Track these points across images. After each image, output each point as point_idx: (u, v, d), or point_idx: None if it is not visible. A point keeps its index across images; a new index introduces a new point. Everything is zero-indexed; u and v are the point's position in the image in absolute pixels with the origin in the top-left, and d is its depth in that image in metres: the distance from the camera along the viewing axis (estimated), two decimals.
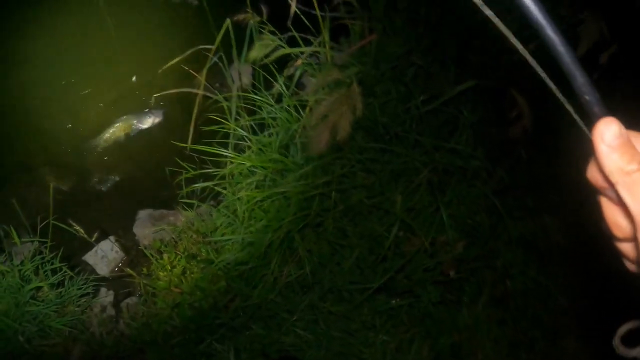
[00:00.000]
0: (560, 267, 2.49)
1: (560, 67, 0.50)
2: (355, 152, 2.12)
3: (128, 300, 2.58)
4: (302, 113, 2.21)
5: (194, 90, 2.29)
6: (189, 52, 2.38)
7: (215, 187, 2.30)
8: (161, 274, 2.43)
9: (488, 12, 0.51)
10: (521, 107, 2.07)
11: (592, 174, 0.52)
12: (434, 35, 2.51)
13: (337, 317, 2.21)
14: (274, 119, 2.23)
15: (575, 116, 0.53)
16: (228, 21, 2.35)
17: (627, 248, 0.54)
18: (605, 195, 0.53)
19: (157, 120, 2.82)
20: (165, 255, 2.41)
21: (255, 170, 2.15)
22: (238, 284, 2.23)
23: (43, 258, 2.52)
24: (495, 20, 0.52)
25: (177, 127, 2.59)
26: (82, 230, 2.47)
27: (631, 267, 0.55)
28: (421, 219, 2.20)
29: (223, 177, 2.29)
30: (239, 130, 2.25)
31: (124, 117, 2.84)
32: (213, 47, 2.36)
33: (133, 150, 2.79)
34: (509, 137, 2.40)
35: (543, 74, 0.52)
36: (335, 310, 2.21)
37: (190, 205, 2.41)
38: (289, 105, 2.21)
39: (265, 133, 2.22)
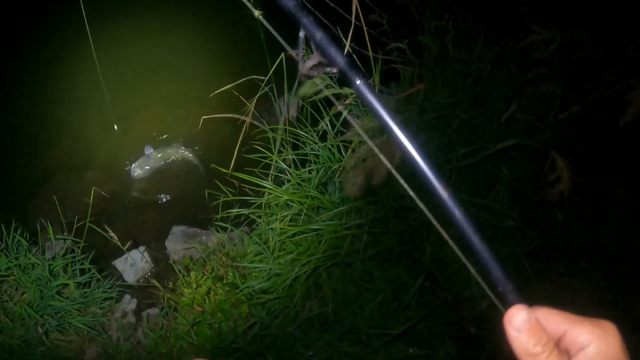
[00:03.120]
0: None
1: (480, 262, 0.58)
2: (391, 198, 2.14)
3: (150, 310, 2.64)
4: (343, 153, 2.24)
5: (242, 117, 2.36)
6: (242, 80, 2.45)
7: (251, 215, 2.35)
8: (186, 290, 2.47)
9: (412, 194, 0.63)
10: (561, 171, 2.06)
11: (509, 350, 0.58)
12: (482, 89, 2.53)
13: (353, 359, 2.21)
14: (316, 155, 2.28)
15: (495, 300, 0.60)
16: (282, 55, 2.42)
17: None
18: None
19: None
20: (192, 273, 2.46)
21: (292, 203, 2.19)
22: (259, 312, 2.26)
23: (74, 257, 2.60)
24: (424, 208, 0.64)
25: (221, 151, 2.67)
26: (115, 237, 2.55)
27: None
28: (448, 272, 2.20)
29: (259, 206, 2.34)
30: (281, 162, 2.30)
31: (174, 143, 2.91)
32: (265, 79, 2.43)
33: (176, 168, 2.87)
34: (545, 200, 2.39)
35: (464, 259, 0.62)
36: (352, 352, 2.21)
37: (224, 229, 2.46)
38: (332, 145, 2.25)
39: (306, 169, 2.27)
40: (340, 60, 0.57)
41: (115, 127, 2.99)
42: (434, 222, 0.61)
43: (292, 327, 2.18)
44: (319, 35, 0.55)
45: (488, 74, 2.53)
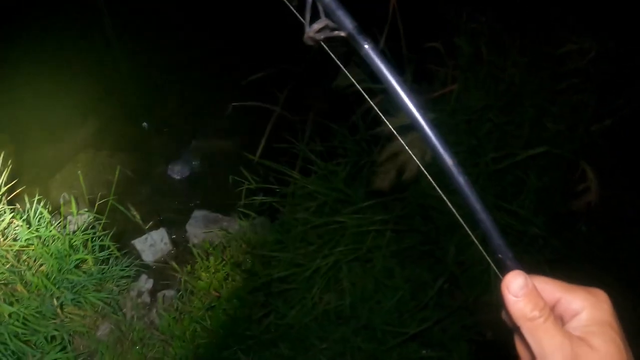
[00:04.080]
0: None
1: (481, 229, 0.59)
2: (417, 196, 2.13)
3: (165, 292, 2.65)
4: (373, 148, 2.24)
5: (272, 107, 2.36)
6: (274, 69, 2.46)
7: (275, 204, 2.35)
8: (203, 274, 2.48)
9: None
10: (590, 182, 2.05)
11: (504, 316, 0.60)
12: (514, 95, 2.52)
13: (366, 355, 2.20)
14: (345, 149, 2.27)
15: (494, 266, 0.61)
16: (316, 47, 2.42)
17: None
18: (517, 333, 0.60)
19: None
20: (211, 258, 2.47)
21: (317, 195, 2.19)
22: (276, 301, 2.26)
23: (95, 233, 2.62)
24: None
25: (249, 139, 2.67)
26: (137, 216, 2.56)
27: None
28: (469, 275, 2.19)
29: (284, 196, 2.34)
30: (308, 153, 2.30)
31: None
32: (299, 69, 2.44)
33: (204, 152, 2.88)
34: (571, 210, 2.37)
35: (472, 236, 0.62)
36: (366, 348, 2.20)
37: (247, 216, 2.47)
38: (362, 139, 2.25)
39: (334, 161, 2.26)
40: (348, 24, 0.55)
41: (145, 124, 3.01)
42: (462, 222, 0.61)
43: (308, 319, 2.18)
44: None
45: (521, 79, 2.51)
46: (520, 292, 0.57)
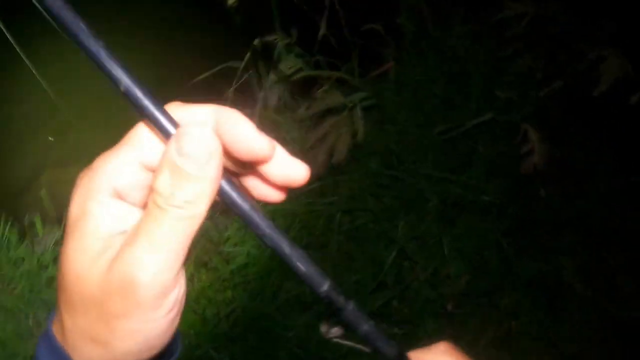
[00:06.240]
0: (571, 313, 2.42)
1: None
2: (366, 175, 2.14)
3: None
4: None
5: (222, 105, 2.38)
6: (218, 67, 2.48)
7: None
8: None
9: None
10: (532, 143, 2.05)
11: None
12: (460, 66, 2.53)
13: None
14: (293, 139, 2.29)
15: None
16: (257, 41, 2.44)
17: None
18: None
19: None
20: None
21: None
22: (240, 295, 2.27)
23: None
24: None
25: None
26: None
27: None
28: (426, 250, 2.19)
29: None
30: None
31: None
32: (241, 65, 2.46)
33: None
34: (522, 174, 2.37)
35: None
36: None
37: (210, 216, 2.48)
38: (308, 126, 2.27)
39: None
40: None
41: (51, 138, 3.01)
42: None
43: (271, 309, 2.19)
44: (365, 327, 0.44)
45: (465, 51, 2.52)
46: None
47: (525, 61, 2.49)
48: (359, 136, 1.85)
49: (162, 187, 0.36)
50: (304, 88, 2.56)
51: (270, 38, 2.44)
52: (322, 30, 2.53)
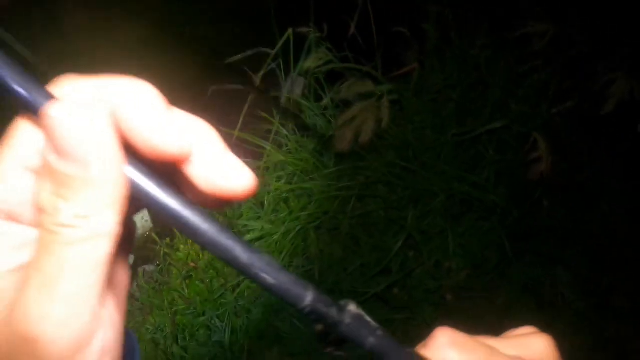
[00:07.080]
0: (562, 323, 2.52)
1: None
2: (382, 165, 2.26)
3: (146, 267, 2.77)
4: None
5: (249, 89, 2.51)
6: (250, 52, 2.61)
7: None
8: (182, 246, 2.60)
9: None
10: (541, 151, 2.17)
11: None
12: (479, 76, 2.66)
13: None
14: (315, 125, 2.41)
15: None
16: (290, 31, 2.58)
17: None
18: None
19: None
20: None
21: (287, 166, 2.33)
22: None
23: None
24: None
25: (227, 118, 2.81)
26: None
27: None
28: (430, 241, 2.30)
29: (257, 168, 2.47)
30: (281, 128, 2.44)
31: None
32: (273, 52, 2.59)
33: None
34: (529, 180, 2.49)
35: None
36: None
37: None
38: (331, 115, 2.39)
39: (304, 134, 2.40)
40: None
41: None
42: None
43: None
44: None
45: (486, 62, 2.66)
46: None
47: (541, 77, 2.62)
48: (384, 124, 1.98)
49: (44, 201, 0.26)
50: (328, 81, 2.69)
51: (303, 30, 2.57)
52: (352, 29, 2.66)
